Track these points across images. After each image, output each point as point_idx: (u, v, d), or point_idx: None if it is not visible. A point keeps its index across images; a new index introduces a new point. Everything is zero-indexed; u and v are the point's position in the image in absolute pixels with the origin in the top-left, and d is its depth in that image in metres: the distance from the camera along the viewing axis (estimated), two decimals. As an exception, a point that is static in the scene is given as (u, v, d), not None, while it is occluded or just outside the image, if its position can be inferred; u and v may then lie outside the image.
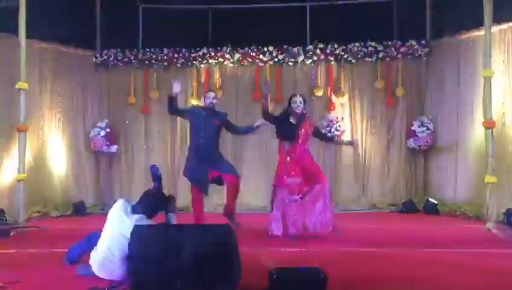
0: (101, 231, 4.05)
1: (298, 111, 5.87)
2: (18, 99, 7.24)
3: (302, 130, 5.88)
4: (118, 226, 3.91)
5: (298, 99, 5.90)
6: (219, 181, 6.41)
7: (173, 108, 6.31)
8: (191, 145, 6.45)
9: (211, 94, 6.42)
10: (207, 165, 6.21)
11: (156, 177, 4.88)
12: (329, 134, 8.80)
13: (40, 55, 8.73)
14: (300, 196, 5.76)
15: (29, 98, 7.77)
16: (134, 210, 4.04)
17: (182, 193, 9.30)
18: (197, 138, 6.27)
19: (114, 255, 3.82)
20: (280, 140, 6.00)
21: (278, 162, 6.00)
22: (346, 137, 9.10)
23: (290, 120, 5.92)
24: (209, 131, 6.23)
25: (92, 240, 4.17)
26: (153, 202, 4.22)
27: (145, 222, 3.94)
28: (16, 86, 7.20)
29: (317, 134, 6.26)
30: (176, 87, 6.17)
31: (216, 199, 9.04)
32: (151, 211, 4.12)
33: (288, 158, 5.84)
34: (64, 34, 8.78)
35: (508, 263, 4.58)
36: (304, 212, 5.73)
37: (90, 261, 4.00)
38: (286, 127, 5.91)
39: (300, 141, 5.85)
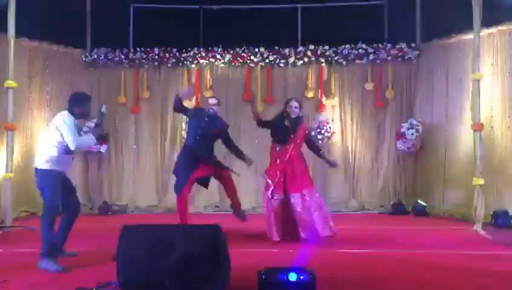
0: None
1: (293, 116, 5.88)
2: (6, 98, 7.18)
3: (295, 135, 5.87)
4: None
5: (293, 104, 5.90)
6: (204, 181, 6.39)
7: (179, 106, 6.23)
8: (185, 144, 6.38)
9: (213, 101, 6.27)
10: (195, 165, 6.09)
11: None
12: (320, 136, 8.90)
13: (30, 53, 8.64)
14: (276, 198, 5.72)
15: (18, 97, 7.71)
16: None
17: (173, 192, 9.29)
18: (193, 140, 6.19)
19: (55, 146, 4.59)
20: (273, 142, 6.00)
21: (269, 164, 6.00)
22: (336, 139, 9.22)
23: (285, 123, 5.90)
24: (205, 136, 6.13)
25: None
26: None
27: (66, 115, 4.61)
28: (5, 85, 7.14)
29: (308, 142, 6.13)
30: (189, 93, 6.76)
31: (204, 200, 9.09)
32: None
33: (278, 160, 5.84)
34: (54, 33, 8.71)
35: (495, 265, 4.61)
36: (301, 223, 5.70)
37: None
38: (280, 129, 5.90)
39: (291, 145, 5.84)
